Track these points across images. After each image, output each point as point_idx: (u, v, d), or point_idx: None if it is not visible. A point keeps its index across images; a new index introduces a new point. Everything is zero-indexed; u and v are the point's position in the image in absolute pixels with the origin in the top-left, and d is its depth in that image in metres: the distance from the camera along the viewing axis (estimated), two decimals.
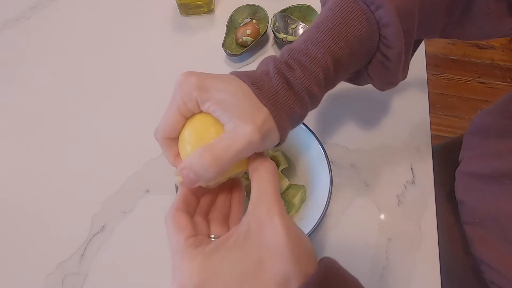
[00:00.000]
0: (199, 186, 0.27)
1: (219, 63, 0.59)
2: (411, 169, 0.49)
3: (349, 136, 0.51)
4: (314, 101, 0.30)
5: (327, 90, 0.32)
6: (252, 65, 0.59)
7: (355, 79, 0.38)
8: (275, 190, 0.25)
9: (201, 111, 0.27)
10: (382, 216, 0.46)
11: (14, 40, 0.63)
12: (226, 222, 0.29)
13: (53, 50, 0.61)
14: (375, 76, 0.35)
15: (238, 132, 0.25)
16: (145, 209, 0.47)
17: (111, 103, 0.56)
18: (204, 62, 0.59)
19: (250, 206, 0.25)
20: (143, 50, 0.61)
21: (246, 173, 0.43)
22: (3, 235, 0.47)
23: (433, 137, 0.51)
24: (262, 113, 0.26)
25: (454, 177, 0.50)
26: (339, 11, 0.30)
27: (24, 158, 0.52)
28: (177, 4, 0.61)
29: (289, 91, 0.28)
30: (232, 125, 0.25)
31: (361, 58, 0.33)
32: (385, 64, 0.33)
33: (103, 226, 0.46)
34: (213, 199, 0.30)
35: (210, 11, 0.64)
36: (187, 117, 0.28)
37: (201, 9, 0.63)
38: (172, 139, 0.29)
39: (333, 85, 0.32)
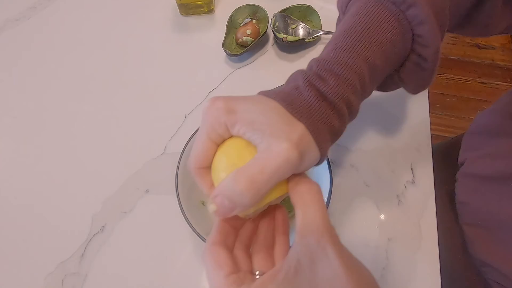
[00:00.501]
0: (237, 216, 0.25)
1: (219, 63, 0.59)
2: (411, 169, 0.49)
3: (349, 136, 0.51)
4: (352, 111, 0.28)
5: (364, 99, 0.30)
6: (252, 65, 0.59)
7: (384, 85, 0.36)
8: (323, 215, 0.22)
9: (232, 136, 0.25)
10: (382, 216, 0.46)
11: (14, 40, 0.63)
12: (271, 255, 0.26)
13: (53, 50, 0.61)
14: (408, 80, 0.33)
15: (272, 151, 0.22)
16: (145, 209, 0.47)
17: (111, 103, 0.56)
18: (204, 62, 0.59)
19: (296, 237, 0.22)
20: (143, 50, 0.61)
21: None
22: (3, 235, 0.47)
23: (433, 137, 0.51)
24: (298, 128, 0.24)
25: (454, 177, 0.50)
26: (366, 15, 0.28)
27: (24, 158, 0.52)
28: (177, 4, 0.61)
29: (324, 103, 0.26)
30: (265, 145, 0.23)
31: (394, 62, 0.31)
32: (421, 65, 0.31)
33: (103, 226, 0.46)
34: (254, 231, 0.28)
35: (210, 11, 0.64)
36: (218, 144, 0.26)
37: (201, 9, 0.63)
38: (206, 169, 0.27)
39: (369, 92, 0.30)
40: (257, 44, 0.58)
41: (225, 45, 0.58)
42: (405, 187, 0.47)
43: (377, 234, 0.45)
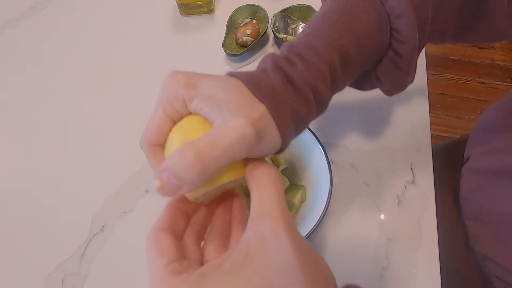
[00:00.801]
0: (188, 200, 0.24)
1: (219, 63, 0.59)
2: (411, 169, 0.49)
3: (349, 136, 0.51)
4: (320, 102, 0.27)
5: (335, 92, 0.29)
6: (252, 65, 0.59)
7: (360, 82, 0.35)
8: (279, 199, 0.20)
9: (190, 113, 0.24)
10: (382, 216, 0.46)
11: (14, 40, 0.63)
12: (225, 246, 0.24)
13: (53, 50, 0.61)
14: (384, 78, 0.32)
15: (227, 126, 0.21)
16: (145, 209, 0.47)
17: (111, 103, 0.56)
18: (204, 62, 0.59)
19: (249, 222, 0.20)
20: (143, 50, 0.61)
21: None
22: (3, 235, 0.47)
23: (433, 137, 0.51)
24: (258, 107, 0.22)
25: (459, 173, 0.50)
26: (345, 1, 0.27)
27: (24, 158, 0.52)
28: (177, 4, 0.61)
29: (290, 87, 0.24)
30: (221, 120, 0.21)
31: (370, 56, 0.30)
32: (396, 63, 0.30)
33: (103, 226, 0.46)
34: (208, 219, 0.26)
35: (210, 11, 0.64)
36: (175, 121, 0.24)
37: (201, 9, 0.63)
38: (159, 146, 0.25)
39: (341, 85, 0.29)
40: (257, 44, 0.58)
41: (225, 45, 0.58)
42: (405, 187, 0.47)
43: (377, 234, 0.45)
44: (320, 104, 0.27)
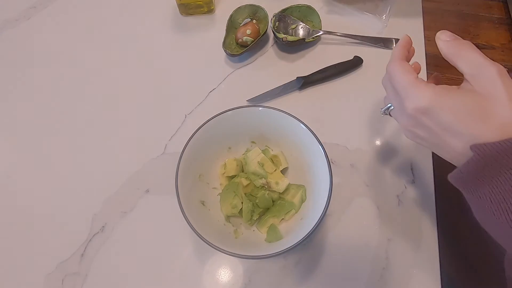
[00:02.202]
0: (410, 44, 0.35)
1: (219, 63, 0.59)
2: (411, 169, 0.49)
3: (349, 136, 0.51)
4: None
5: None
6: (252, 65, 0.59)
7: None
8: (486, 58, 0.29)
9: None
10: (382, 216, 0.46)
11: (14, 40, 0.63)
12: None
13: (53, 50, 0.61)
14: None
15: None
16: (145, 209, 0.47)
17: (111, 103, 0.56)
18: (204, 62, 0.59)
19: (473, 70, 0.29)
20: (143, 50, 0.61)
21: (246, 173, 0.44)
22: (3, 235, 0.47)
23: None
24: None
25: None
26: None
27: (24, 158, 0.52)
28: (177, 4, 0.61)
29: None
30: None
31: None
32: None
33: (103, 226, 0.46)
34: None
35: (210, 11, 0.64)
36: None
37: (201, 9, 0.63)
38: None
39: None
40: (257, 44, 0.58)
41: (225, 45, 0.58)
42: (405, 187, 0.47)
43: (377, 234, 0.45)
44: None
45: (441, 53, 0.31)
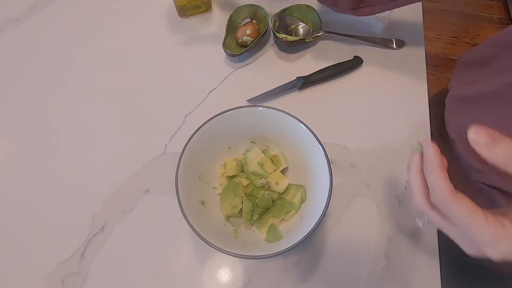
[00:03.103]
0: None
1: (219, 63, 0.59)
2: None
3: (349, 136, 0.51)
4: None
5: None
6: (252, 65, 0.59)
7: None
8: None
9: None
10: (382, 216, 0.46)
11: (14, 40, 0.63)
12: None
13: (53, 50, 0.61)
14: None
15: None
16: (145, 209, 0.47)
17: (112, 103, 0.56)
18: (204, 62, 0.59)
19: None
20: (143, 50, 0.61)
21: (246, 173, 0.43)
22: (3, 235, 0.47)
23: None
24: None
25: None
26: None
27: (24, 158, 0.52)
28: (175, 6, 0.62)
29: None
30: None
31: None
32: None
33: (103, 226, 0.46)
34: None
35: (208, 10, 0.63)
36: None
37: (199, 9, 0.63)
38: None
39: None
40: (257, 44, 0.58)
41: (225, 45, 0.58)
42: (405, 187, 0.47)
43: (377, 234, 0.45)
44: None
45: (493, 163, 0.25)
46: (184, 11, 0.62)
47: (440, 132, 0.54)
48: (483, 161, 0.25)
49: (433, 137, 0.52)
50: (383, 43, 0.59)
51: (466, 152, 0.49)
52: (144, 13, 0.65)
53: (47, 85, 0.58)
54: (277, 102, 0.55)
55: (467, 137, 0.25)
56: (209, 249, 0.36)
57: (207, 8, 0.63)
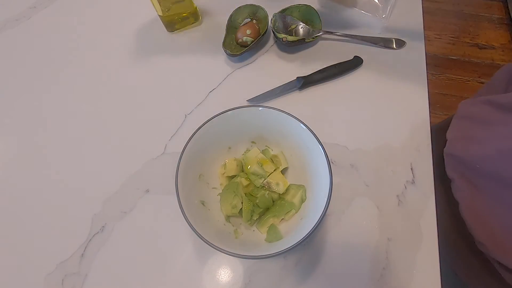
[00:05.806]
0: None
1: (219, 63, 0.59)
2: (411, 169, 0.49)
3: (349, 136, 0.51)
4: None
5: None
6: (252, 65, 0.59)
7: None
8: None
9: None
10: (382, 216, 0.46)
11: (14, 40, 0.63)
12: None
13: (53, 50, 0.61)
14: None
15: None
16: (145, 209, 0.47)
17: (112, 103, 0.56)
18: (204, 62, 0.59)
19: None
20: (143, 49, 0.61)
21: (247, 173, 0.44)
22: (3, 235, 0.47)
23: None
24: None
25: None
26: None
27: (24, 158, 0.52)
28: (162, 22, 0.60)
29: None
30: None
31: None
32: None
33: (103, 226, 0.46)
34: None
35: (197, 21, 0.62)
36: None
37: (187, 20, 0.61)
38: None
39: None
40: (257, 44, 0.58)
41: (225, 45, 0.58)
42: (405, 187, 0.47)
43: (377, 234, 0.45)
44: None
45: None
46: (172, 24, 0.61)
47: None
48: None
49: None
50: (383, 43, 0.59)
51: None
52: (144, 13, 0.65)
53: (47, 85, 0.58)
54: (277, 102, 0.55)
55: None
56: (209, 249, 0.36)
57: (196, 18, 0.61)
